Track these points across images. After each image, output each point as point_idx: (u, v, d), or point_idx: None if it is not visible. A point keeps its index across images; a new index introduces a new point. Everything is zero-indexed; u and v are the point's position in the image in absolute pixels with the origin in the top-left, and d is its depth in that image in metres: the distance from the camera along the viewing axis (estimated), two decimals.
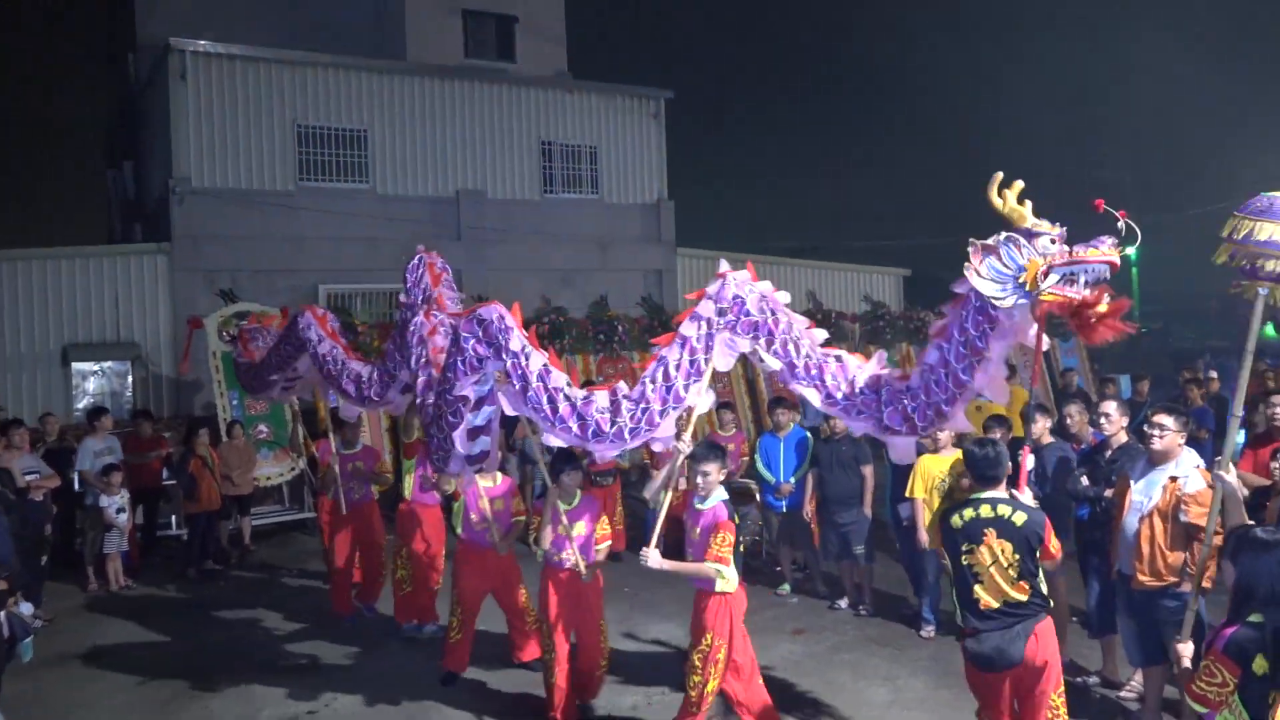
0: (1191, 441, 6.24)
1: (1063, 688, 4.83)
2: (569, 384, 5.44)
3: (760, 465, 9.35)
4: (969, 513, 4.84)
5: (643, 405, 5.24)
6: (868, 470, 8.69)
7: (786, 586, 9.44)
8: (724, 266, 5.49)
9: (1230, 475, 4.71)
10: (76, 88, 27.90)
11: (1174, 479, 5.74)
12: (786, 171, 34.66)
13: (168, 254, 16.40)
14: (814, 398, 5.17)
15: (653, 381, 5.29)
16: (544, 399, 5.37)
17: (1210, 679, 3.57)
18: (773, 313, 5.29)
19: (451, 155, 18.95)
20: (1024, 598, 4.72)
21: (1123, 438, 6.70)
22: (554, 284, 18.61)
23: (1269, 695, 3.44)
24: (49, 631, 8.81)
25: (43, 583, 9.43)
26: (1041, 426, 7.46)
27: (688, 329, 5.35)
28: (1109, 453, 6.74)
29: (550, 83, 20.31)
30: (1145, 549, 5.77)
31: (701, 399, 5.32)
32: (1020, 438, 7.74)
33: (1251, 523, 4.49)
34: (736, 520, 5.84)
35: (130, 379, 15.90)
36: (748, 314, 5.26)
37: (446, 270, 6.77)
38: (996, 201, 4.41)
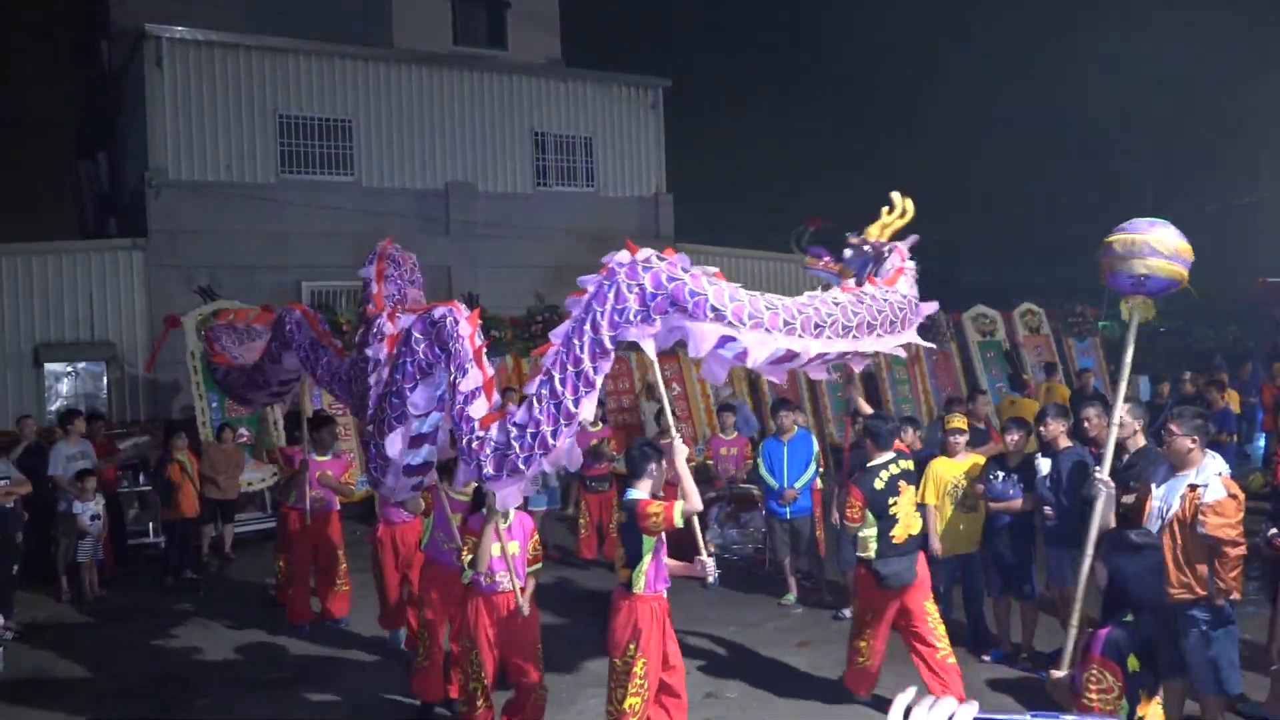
0: (1214, 445, 6.26)
1: (932, 597, 6.72)
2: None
3: (763, 470, 9.34)
4: (886, 474, 6.69)
5: (530, 429, 4.79)
6: None
7: (791, 596, 9.44)
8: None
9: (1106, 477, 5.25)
10: (45, 75, 27.79)
11: (1193, 487, 5.74)
12: (791, 164, 34.63)
13: (143, 249, 16.37)
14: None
15: (538, 400, 4.82)
16: (461, 425, 5.05)
17: (1097, 685, 3.72)
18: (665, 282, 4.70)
19: (440, 147, 18.95)
20: (918, 531, 6.79)
21: (1140, 441, 6.71)
22: (548, 280, 18.57)
23: (1138, 694, 3.72)
24: (20, 643, 8.80)
25: (13, 592, 9.41)
26: (1057, 429, 7.47)
27: (560, 334, 4.90)
28: (1126, 457, 6.74)
29: (543, 71, 20.31)
30: (1168, 560, 5.74)
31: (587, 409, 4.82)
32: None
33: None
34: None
35: (105, 380, 15.88)
36: (626, 295, 4.70)
37: (396, 264, 6.53)
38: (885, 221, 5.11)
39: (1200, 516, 5.63)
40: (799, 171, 34.42)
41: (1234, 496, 5.65)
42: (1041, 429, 7.44)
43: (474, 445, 4.96)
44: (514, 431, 4.84)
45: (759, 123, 34.54)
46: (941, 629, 6.63)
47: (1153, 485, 6.02)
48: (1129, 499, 6.50)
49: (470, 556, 6.07)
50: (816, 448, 9.43)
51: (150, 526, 12.62)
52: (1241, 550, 5.63)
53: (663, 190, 21.03)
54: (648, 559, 5.61)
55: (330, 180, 17.86)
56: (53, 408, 15.17)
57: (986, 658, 7.76)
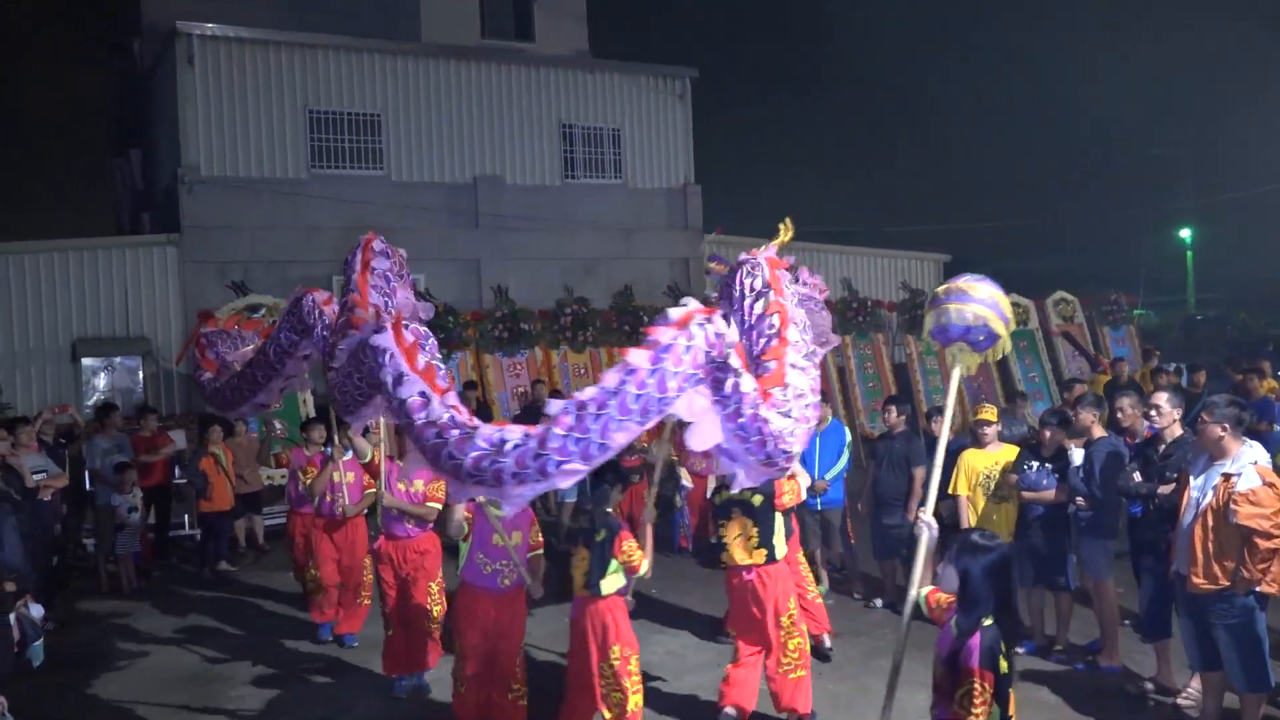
0: (1254, 434, 6.18)
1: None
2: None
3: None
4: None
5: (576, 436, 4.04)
6: (918, 472, 8.62)
7: (821, 587, 9.42)
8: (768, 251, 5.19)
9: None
10: (79, 74, 28.14)
11: (1227, 476, 5.66)
12: (820, 153, 34.47)
13: (177, 245, 16.57)
14: None
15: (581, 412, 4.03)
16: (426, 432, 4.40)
17: (980, 698, 3.72)
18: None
19: (469, 139, 19.01)
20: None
21: (1177, 431, 6.63)
22: (576, 273, 18.64)
23: (1007, 693, 3.82)
24: (60, 634, 8.94)
25: (53, 584, 9.59)
26: (1090, 419, 7.40)
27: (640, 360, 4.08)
28: (1162, 447, 6.67)
29: (571, 63, 20.33)
30: (1198, 550, 5.69)
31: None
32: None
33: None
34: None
35: (141, 374, 16.10)
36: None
37: (380, 255, 5.82)
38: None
39: (1233, 505, 5.55)
40: (831, 159, 34.25)
41: (1270, 485, 5.56)
42: (1074, 418, 7.37)
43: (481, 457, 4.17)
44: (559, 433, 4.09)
45: (789, 111, 34.42)
46: (808, 571, 7.79)
47: (1191, 476, 5.95)
48: (1166, 489, 6.44)
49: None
50: (849, 437, 9.39)
51: (186, 519, 12.79)
52: (1274, 544, 5.52)
53: (691, 181, 20.98)
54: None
55: (360, 174, 17.98)
56: (89, 402, 15.40)
57: (1020, 650, 7.71)
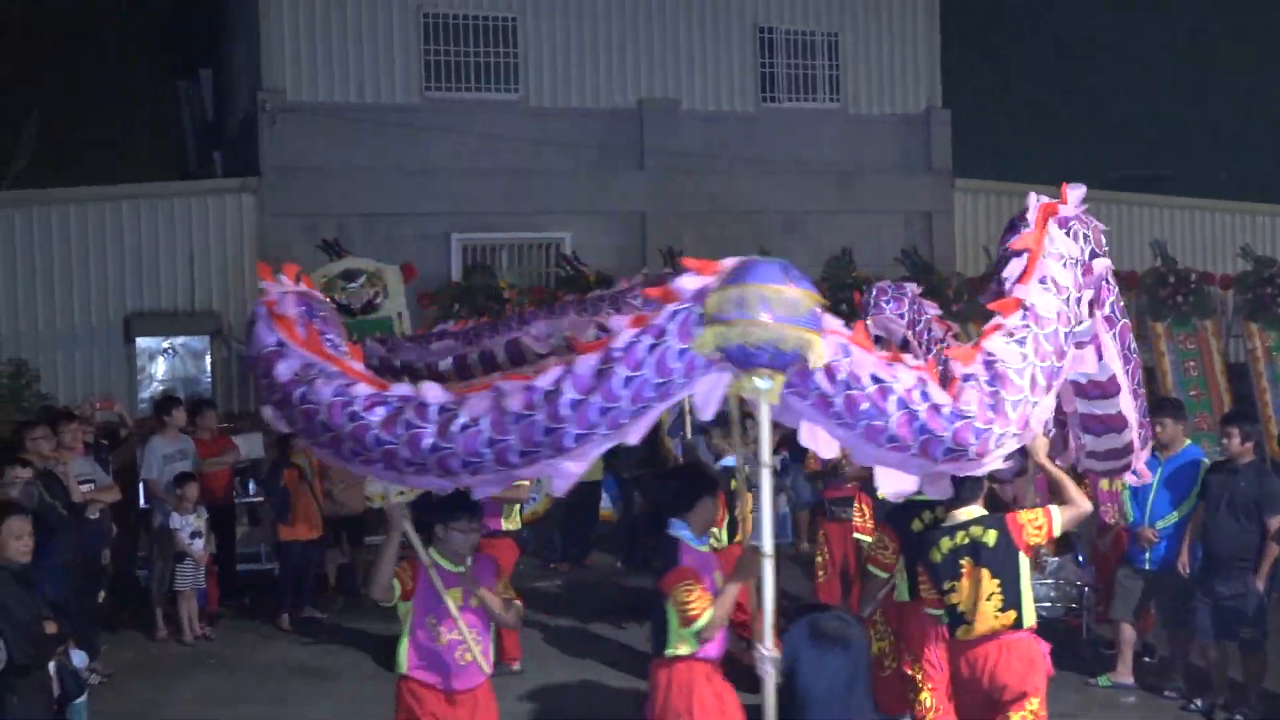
0: None
1: None
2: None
3: (1125, 496, 9.18)
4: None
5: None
6: (1274, 522, 8.36)
7: (1105, 679, 9.21)
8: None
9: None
10: None
11: None
12: (1115, 70, 33.06)
13: (255, 192, 17.23)
14: None
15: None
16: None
17: None
18: None
19: (631, 51, 19.08)
20: None
21: None
22: (774, 231, 18.48)
23: None
24: (107, 689, 9.43)
25: (100, 627, 10.11)
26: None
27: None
28: None
29: None
30: None
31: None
32: None
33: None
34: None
35: (209, 360, 16.82)
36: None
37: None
38: None
39: None
40: (1129, 80, 32.82)
41: None
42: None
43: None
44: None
45: (1072, 13, 33.19)
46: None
47: None
48: None
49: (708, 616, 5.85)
50: (1203, 471, 9.02)
51: (261, 549, 13.25)
52: None
53: (936, 105, 20.53)
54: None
55: (489, 99, 18.27)
56: (145, 393, 16.13)
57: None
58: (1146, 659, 9.53)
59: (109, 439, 11.73)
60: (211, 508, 11.71)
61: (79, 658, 8.38)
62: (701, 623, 5.75)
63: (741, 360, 4.64)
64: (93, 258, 16.55)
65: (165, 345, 16.68)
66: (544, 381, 4.59)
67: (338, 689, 9.63)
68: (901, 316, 9.20)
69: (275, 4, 17.44)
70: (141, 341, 16.53)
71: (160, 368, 16.74)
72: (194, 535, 11.06)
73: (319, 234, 15.85)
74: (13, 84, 14.14)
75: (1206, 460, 9.16)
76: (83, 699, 7.43)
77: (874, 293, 9.33)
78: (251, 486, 13.27)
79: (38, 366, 14.90)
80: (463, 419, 4.61)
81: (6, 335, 15.89)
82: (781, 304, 4.57)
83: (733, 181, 18.99)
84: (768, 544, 5.10)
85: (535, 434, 4.52)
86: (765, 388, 4.67)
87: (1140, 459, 6.47)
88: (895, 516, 7.40)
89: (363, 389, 4.86)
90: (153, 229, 16.84)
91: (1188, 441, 9.12)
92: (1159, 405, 9.52)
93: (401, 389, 4.84)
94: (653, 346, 4.54)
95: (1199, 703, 8.73)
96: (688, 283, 4.63)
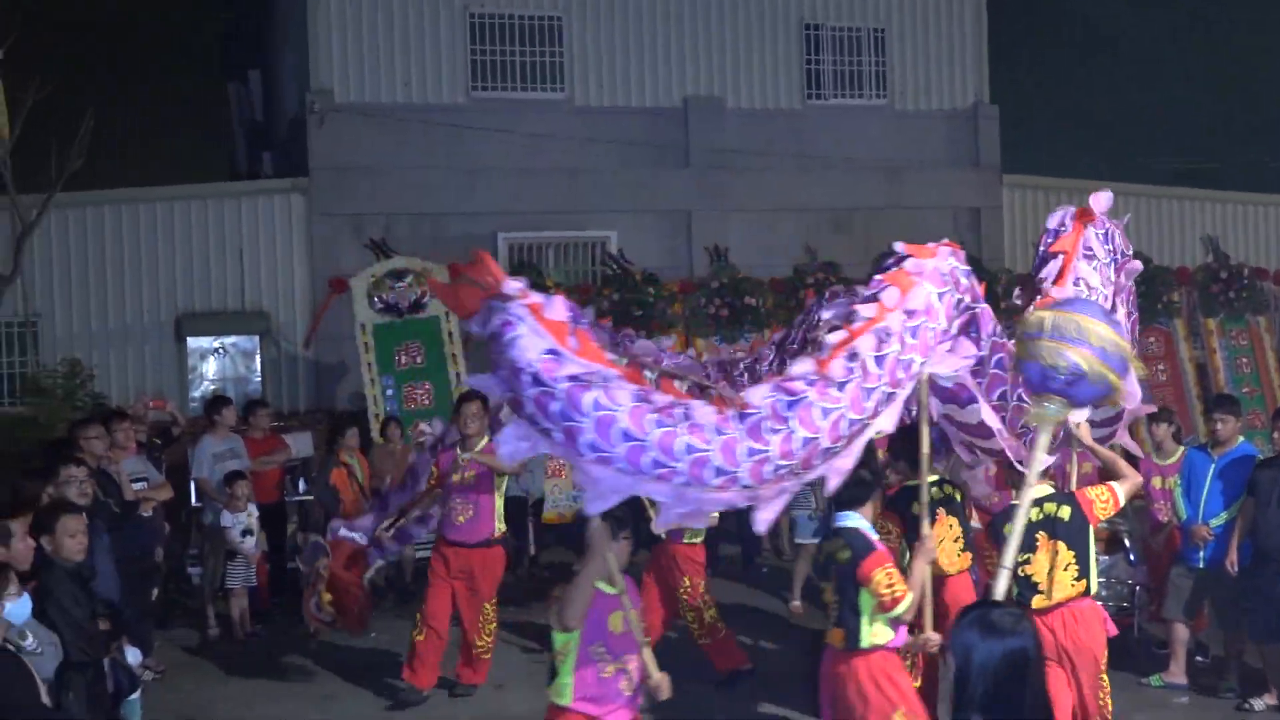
0: None
1: None
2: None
3: (1177, 493, 9.23)
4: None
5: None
6: None
7: (1158, 679, 9.17)
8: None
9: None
10: None
11: None
12: (1164, 64, 32.74)
13: (304, 192, 17.40)
14: None
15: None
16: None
17: None
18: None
19: (677, 49, 19.09)
20: None
21: None
22: (821, 229, 18.46)
23: None
24: (160, 686, 9.57)
25: (153, 624, 10.25)
26: None
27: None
28: None
29: None
30: None
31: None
32: None
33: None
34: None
35: (259, 359, 17.02)
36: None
37: None
38: None
39: None
40: (1180, 71, 32.46)
41: None
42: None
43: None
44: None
45: (1119, 13, 32.88)
46: None
47: None
48: None
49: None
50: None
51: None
52: None
53: (984, 101, 20.42)
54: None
55: (534, 98, 18.35)
56: (196, 392, 16.35)
57: None
58: (1199, 659, 9.50)
59: (161, 438, 11.87)
60: (262, 506, 11.83)
61: (133, 654, 8.49)
62: (905, 605, 5.99)
63: (1037, 383, 5.13)
64: (144, 258, 16.76)
65: (216, 345, 16.92)
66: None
67: (390, 686, 9.68)
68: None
69: (323, 6, 17.60)
70: (192, 341, 16.79)
71: (211, 367, 16.98)
72: (245, 533, 11.21)
73: (366, 233, 15.95)
74: (68, 85, 14.26)
75: (1261, 457, 9.09)
76: (136, 695, 7.52)
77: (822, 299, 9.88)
78: (302, 485, 13.41)
79: (91, 366, 15.07)
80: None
81: (61, 335, 16.14)
82: (1098, 339, 4.98)
83: (779, 179, 18.96)
84: (926, 526, 6.24)
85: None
86: (1053, 413, 5.17)
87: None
88: (896, 502, 7.73)
89: (662, 397, 4.89)
90: (203, 229, 17.04)
91: (1241, 438, 9.06)
92: (1216, 401, 9.46)
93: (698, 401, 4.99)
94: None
95: (1254, 703, 8.67)
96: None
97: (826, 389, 5.01)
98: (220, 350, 16.99)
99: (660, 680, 5.74)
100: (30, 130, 13.60)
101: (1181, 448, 10.01)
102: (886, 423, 5.34)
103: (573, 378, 4.76)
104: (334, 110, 17.48)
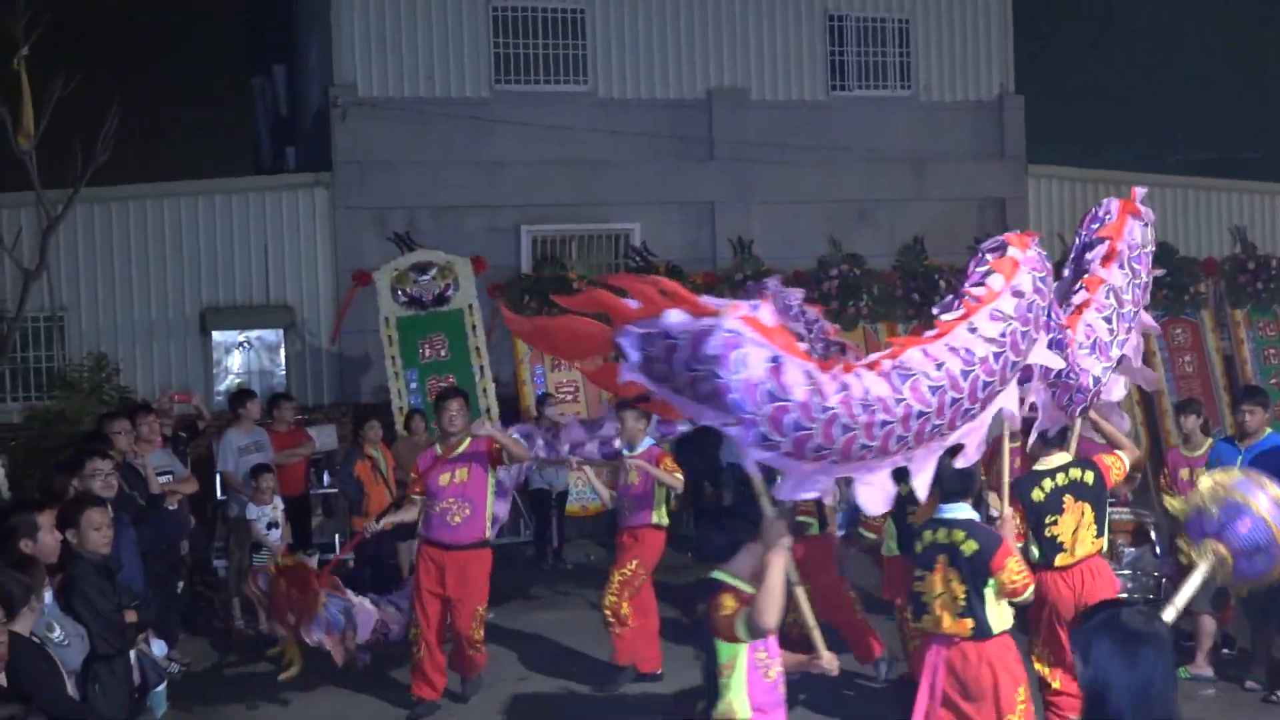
0: None
1: None
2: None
3: None
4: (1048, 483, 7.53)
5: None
6: None
7: (1184, 671, 9.07)
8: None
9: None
10: None
11: None
12: (1189, 54, 32.54)
13: (327, 186, 17.44)
14: None
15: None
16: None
17: None
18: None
19: (700, 41, 19.05)
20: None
21: None
22: (846, 220, 18.42)
23: None
24: (185, 678, 9.62)
25: (179, 616, 10.31)
26: None
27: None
28: None
29: None
30: None
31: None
32: None
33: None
34: None
35: (283, 353, 17.09)
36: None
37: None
38: None
39: None
40: (1199, 71, 32.26)
41: None
42: None
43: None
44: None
45: (1144, 2, 32.68)
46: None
47: None
48: None
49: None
50: None
51: (336, 540, 13.44)
52: None
53: (1009, 91, 20.32)
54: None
55: (558, 91, 18.34)
56: (221, 386, 16.42)
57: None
58: (1226, 650, 9.48)
59: (187, 431, 11.93)
60: (287, 499, 11.88)
61: (158, 647, 8.55)
62: (1029, 592, 6.39)
63: (1195, 529, 5.73)
64: (169, 252, 16.81)
65: (240, 339, 16.99)
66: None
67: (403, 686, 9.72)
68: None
69: (346, 1, 17.63)
70: (217, 335, 16.86)
71: (236, 361, 17.05)
72: (270, 526, 11.26)
73: (390, 227, 16.04)
74: (93, 81, 14.33)
75: None
76: (162, 688, 7.57)
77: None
78: (326, 478, 13.46)
79: (117, 360, 15.12)
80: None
81: (87, 329, 16.22)
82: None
83: (803, 171, 18.91)
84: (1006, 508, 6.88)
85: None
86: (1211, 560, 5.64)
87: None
88: (1016, 488, 7.91)
89: (844, 376, 5.04)
90: (228, 223, 17.09)
91: (1269, 429, 9.00)
92: (1245, 393, 9.41)
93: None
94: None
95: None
96: None
97: (958, 350, 5.41)
98: (245, 344, 17.06)
99: (830, 659, 5.45)
100: (56, 125, 13.65)
101: (1209, 439, 9.95)
102: (1009, 400, 5.77)
103: (808, 380, 4.85)
104: (357, 104, 17.51)
